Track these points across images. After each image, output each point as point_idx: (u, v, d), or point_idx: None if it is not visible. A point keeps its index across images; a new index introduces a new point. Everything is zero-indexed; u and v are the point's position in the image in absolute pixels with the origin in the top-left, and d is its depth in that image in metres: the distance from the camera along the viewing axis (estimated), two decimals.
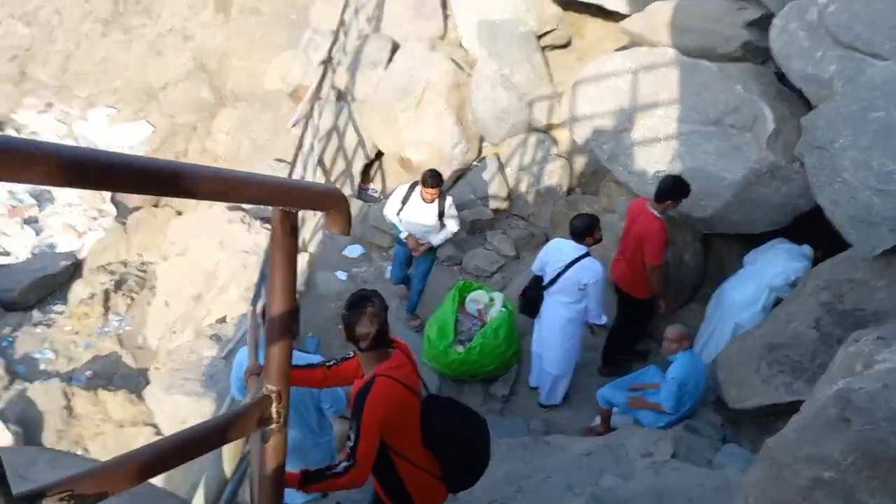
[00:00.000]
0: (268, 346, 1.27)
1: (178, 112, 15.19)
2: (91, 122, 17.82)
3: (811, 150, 5.12)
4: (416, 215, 6.11)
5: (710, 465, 5.08)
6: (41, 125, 17.73)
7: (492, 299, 6.30)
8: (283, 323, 1.25)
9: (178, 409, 5.24)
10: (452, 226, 6.21)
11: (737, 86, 5.78)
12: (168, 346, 7.16)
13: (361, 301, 2.87)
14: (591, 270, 5.39)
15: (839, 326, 5.11)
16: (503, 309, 6.21)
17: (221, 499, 2.18)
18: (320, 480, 2.85)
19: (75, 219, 11.65)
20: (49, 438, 6.99)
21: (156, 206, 10.43)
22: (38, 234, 11.78)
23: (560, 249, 5.56)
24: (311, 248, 7.67)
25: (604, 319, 5.64)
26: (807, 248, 5.83)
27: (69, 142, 16.59)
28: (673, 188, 5.54)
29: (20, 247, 11.32)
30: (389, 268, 7.57)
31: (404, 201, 6.12)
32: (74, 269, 10.17)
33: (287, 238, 1.16)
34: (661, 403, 5.21)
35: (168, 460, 1.06)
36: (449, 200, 6.14)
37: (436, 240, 6.25)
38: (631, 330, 6.24)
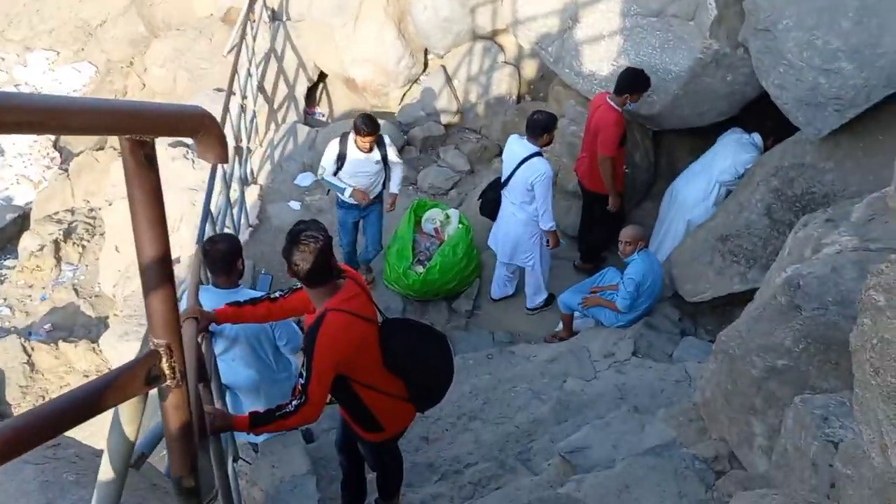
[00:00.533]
0: (146, 296, 1.17)
1: (114, 49, 14.49)
2: (30, 66, 17.05)
3: (755, 33, 5.01)
4: (357, 168, 5.53)
5: (670, 359, 5.18)
6: None
7: (448, 216, 6.23)
8: (158, 268, 1.15)
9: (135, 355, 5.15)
10: (399, 170, 5.75)
11: None
12: (123, 293, 7.02)
13: (300, 234, 2.71)
14: (537, 170, 5.27)
15: (790, 212, 5.14)
16: (460, 225, 6.15)
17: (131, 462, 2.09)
18: (270, 422, 2.79)
19: (29, 169, 11.23)
20: (12, 395, 6.91)
21: (100, 149, 10.05)
22: None
23: (512, 149, 5.46)
24: (261, 179, 7.47)
25: (550, 224, 5.47)
26: (756, 137, 5.79)
27: (10, 88, 15.98)
28: (632, 82, 5.44)
29: None
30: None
31: (340, 158, 5.51)
32: (22, 221, 9.86)
33: (141, 169, 1.04)
34: (615, 302, 5.25)
35: (31, 437, 0.98)
36: (387, 141, 5.63)
37: (391, 188, 5.75)
38: (602, 228, 6.13)
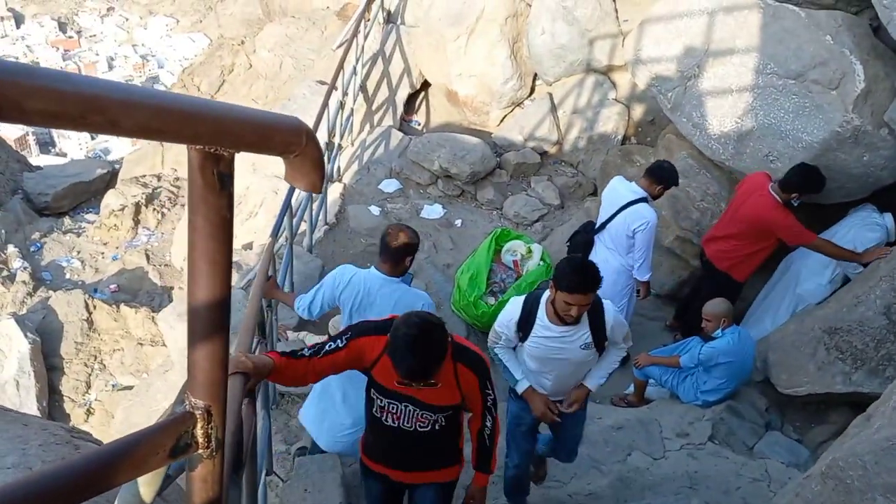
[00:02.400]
0: (190, 345, 0.90)
1: (229, 25, 14.77)
2: (150, 30, 17.77)
3: None
4: (550, 346, 3.26)
5: (750, 452, 4.70)
6: (102, 29, 17.82)
7: (530, 250, 5.89)
8: (211, 316, 0.88)
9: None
10: (616, 354, 3.41)
11: (825, 36, 5.12)
12: None
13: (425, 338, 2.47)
14: (642, 216, 4.85)
15: None
16: (541, 262, 5.80)
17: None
18: (489, 456, 2.95)
19: None
20: (67, 349, 6.92)
21: None
22: (93, 137, 11.78)
23: (616, 190, 5.04)
24: (346, 178, 7.31)
25: (648, 275, 5.08)
26: (889, 219, 5.22)
27: (128, 48, 16.60)
28: (806, 182, 4.93)
29: (75, 148, 11.30)
30: (426, 206, 7.19)
31: (524, 325, 3.27)
32: (110, 178, 10.03)
33: (210, 191, 0.78)
34: (678, 356, 4.82)
35: None
36: (609, 309, 3.28)
37: (593, 381, 3.42)
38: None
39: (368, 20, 7.58)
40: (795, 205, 5.08)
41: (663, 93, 6.08)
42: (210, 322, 0.89)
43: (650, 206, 4.93)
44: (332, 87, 6.27)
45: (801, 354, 4.91)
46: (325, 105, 5.94)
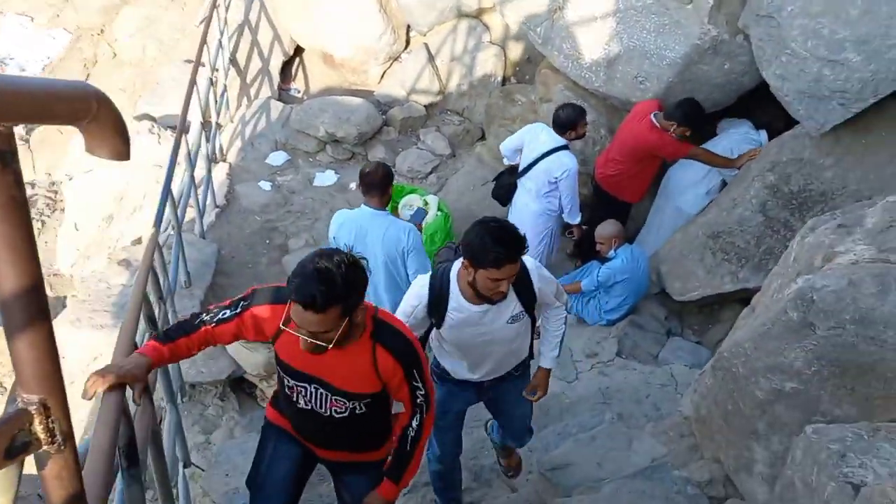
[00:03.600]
0: (9, 339, 0.86)
1: (86, 16, 13.89)
2: (3, 31, 16.49)
3: (757, 19, 4.74)
4: (472, 330, 2.85)
5: (655, 360, 4.95)
6: None
7: (426, 202, 5.90)
8: (25, 302, 0.84)
9: (89, 344, 4.81)
10: (557, 316, 3.05)
11: None
12: (81, 273, 6.63)
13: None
14: (564, 164, 5.01)
15: (785, 210, 4.91)
16: (439, 212, 5.83)
17: None
18: (406, 465, 2.45)
19: None
20: None
21: None
22: None
23: (537, 137, 5.17)
24: (230, 157, 7.10)
25: (578, 218, 5.28)
26: (764, 136, 5.48)
27: None
28: (690, 116, 5.08)
29: None
30: (318, 173, 7.08)
31: (434, 310, 2.80)
32: None
33: None
34: (579, 282, 5.03)
35: None
36: (531, 266, 2.82)
37: (547, 359, 3.14)
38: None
39: None
40: (673, 134, 5.23)
41: (532, 29, 6.14)
42: (26, 311, 0.85)
43: (570, 154, 5.06)
44: (198, 63, 6.02)
45: (690, 261, 5.17)
46: (192, 83, 5.70)
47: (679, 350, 4.96)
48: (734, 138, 5.61)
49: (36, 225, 8.24)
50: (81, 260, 6.85)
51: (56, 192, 8.46)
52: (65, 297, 7.32)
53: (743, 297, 5.10)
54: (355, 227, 3.86)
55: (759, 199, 4.96)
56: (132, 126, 7.32)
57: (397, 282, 3.95)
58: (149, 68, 8.85)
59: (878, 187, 4.53)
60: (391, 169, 4.01)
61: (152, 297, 3.61)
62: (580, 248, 6.06)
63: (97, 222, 6.98)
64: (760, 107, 5.58)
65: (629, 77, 5.59)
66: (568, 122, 4.99)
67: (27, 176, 9.02)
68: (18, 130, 11.31)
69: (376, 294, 3.93)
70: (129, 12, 9.45)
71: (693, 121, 5.14)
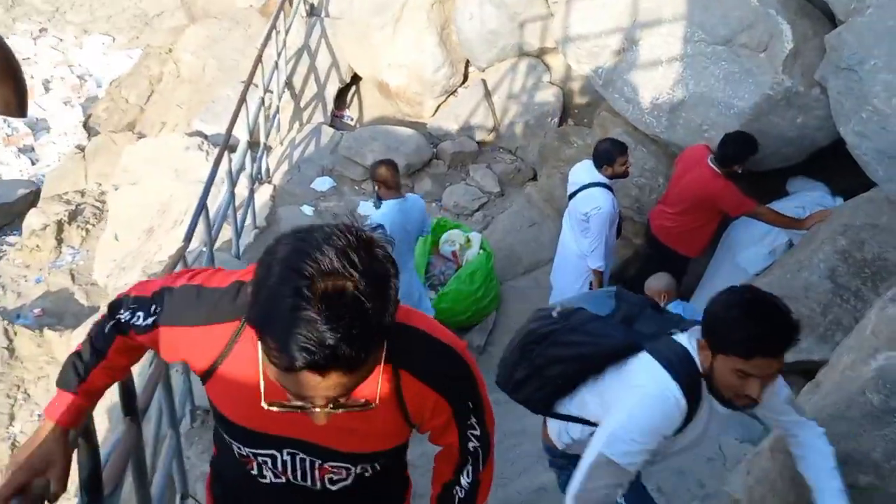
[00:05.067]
0: None
1: (158, 35, 14.27)
2: (86, 49, 17.25)
3: (836, 72, 4.41)
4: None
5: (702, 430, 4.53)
6: (36, 51, 17.23)
7: (468, 240, 5.68)
8: None
9: None
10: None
11: None
12: (115, 284, 6.56)
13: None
14: (595, 200, 4.62)
15: (857, 278, 4.49)
16: (481, 251, 5.59)
17: None
18: None
19: (71, 148, 11.02)
20: None
21: (115, 131, 9.70)
22: (33, 163, 11.33)
23: (577, 172, 4.84)
24: (276, 179, 7.00)
25: (599, 264, 4.87)
26: (839, 203, 5.09)
27: (64, 69, 16.27)
28: (741, 150, 4.69)
29: (16, 175, 10.79)
30: (363, 202, 6.92)
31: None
32: (34, 198, 9.51)
33: None
34: None
35: None
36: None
37: None
38: None
39: (288, 13, 7.28)
40: (740, 172, 4.90)
41: (594, 70, 5.92)
42: None
43: (605, 192, 4.69)
44: (249, 83, 5.96)
45: None
46: (241, 102, 5.63)
47: (728, 421, 4.54)
48: (805, 199, 5.24)
49: (80, 233, 8.27)
50: (118, 271, 6.79)
51: (103, 202, 8.51)
52: (98, 307, 7.26)
53: (805, 370, 4.69)
54: (401, 219, 4.32)
55: (827, 264, 4.55)
56: (182, 142, 7.31)
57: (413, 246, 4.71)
58: (207, 87, 8.92)
59: None
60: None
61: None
62: None
63: (137, 234, 6.94)
64: (839, 170, 5.21)
65: (693, 125, 5.30)
66: (604, 155, 4.64)
67: (79, 184, 9.12)
68: (75, 139, 11.55)
69: (412, 255, 4.73)
70: (194, 31, 9.59)
71: (748, 148, 4.73)
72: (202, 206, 4.61)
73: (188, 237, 4.30)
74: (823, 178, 5.37)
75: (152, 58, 13.27)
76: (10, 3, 19.40)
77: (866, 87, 4.19)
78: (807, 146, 5.01)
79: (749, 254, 5.28)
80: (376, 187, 4.48)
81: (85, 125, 12.82)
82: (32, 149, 12.36)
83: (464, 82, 7.65)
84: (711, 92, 5.16)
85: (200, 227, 4.69)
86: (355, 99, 8.04)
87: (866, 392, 2.17)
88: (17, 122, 13.07)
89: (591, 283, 5.07)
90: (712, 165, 4.83)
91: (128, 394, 2.16)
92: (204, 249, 5.06)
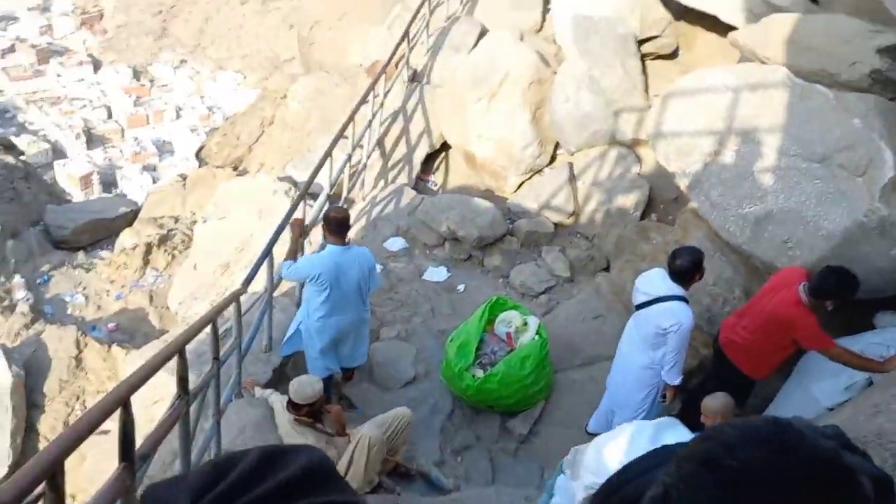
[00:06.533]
0: None
1: (278, 79, 15.08)
2: (219, 83, 18.65)
3: None
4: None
5: None
6: (174, 80, 18.79)
7: (525, 323, 5.53)
8: None
9: (156, 385, 4.76)
10: None
11: (854, 119, 4.77)
12: (186, 313, 6.77)
13: None
14: (676, 315, 4.38)
15: None
16: (536, 336, 5.44)
17: None
18: None
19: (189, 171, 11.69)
20: (50, 387, 6.75)
21: (219, 166, 10.19)
22: (154, 181, 12.13)
23: (653, 281, 4.60)
24: (351, 233, 7.09)
25: (678, 380, 4.64)
26: None
27: (196, 100, 17.43)
28: (840, 288, 4.27)
29: (137, 190, 11.52)
30: (430, 267, 6.92)
31: None
32: (133, 217, 10.06)
33: None
34: None
35: None
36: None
37: None
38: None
39: (387, 76, 7.50)
40: (830, 309, 4.52)
41: (682, 169, 5.76)
42: None
43: (686, 307, 4.47)
44: (339, 136, 6.13)
45: None
46: (327, 153, 5.79)
47: None
48: (891, 336, 4.84)
49: (166, 257, 8.65)
50: (190, 300, 7.02)
51: (193, 231, 8.89)
52: (167, 331, 7.52)
53: None
54: (335, 267, 4.54)
55: None
56: (271, 185, 7.57)
57: (364, 297, 4.89)
58: (307, 135, 9.28)
59: None
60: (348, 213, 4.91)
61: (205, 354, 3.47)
62: (686, 414, 5.39)
63: (214, 267, 7.17)
64: None
65: (778, 240, 5.04)
66: (689, 269, 4.41)
67: (175, 211, 9.58)
68: (178, 168, 12.18)
69: (352, 312, 4.80)
70: (304, 81, 10.05)
71: (849, 287, 4.31)
72: (268, 251, 4.71)
73: (247, 280, 4.39)
74: None
75: (267, 100, 14.01)
76: (160, 34, 21.05)
77: None
78: None
79: (825, 385, 4.90)
80: (323, 229, 4.78)
81: (197, 155, 13.55)
82: (155, 168, 13.20)
83: (551, 163, 7.62)
84: (801, 209, 4.90)
85: (265, 270, 4.78)
86: (442, 165, 8.14)
87: None
88: (146, 142, 13.92)
89: (664, 395, 4.82)
90: (801, 293, 4.48)
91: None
92: (264, 293, 5.15)
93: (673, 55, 8.10)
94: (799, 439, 0.85)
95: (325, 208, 4.95)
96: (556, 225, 7.20)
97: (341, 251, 4.59)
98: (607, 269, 6.77)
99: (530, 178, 7.59)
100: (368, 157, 7.33)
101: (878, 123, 4.78)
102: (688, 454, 0.88)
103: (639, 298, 4.62)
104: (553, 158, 7.64)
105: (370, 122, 7.16)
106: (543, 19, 8.76)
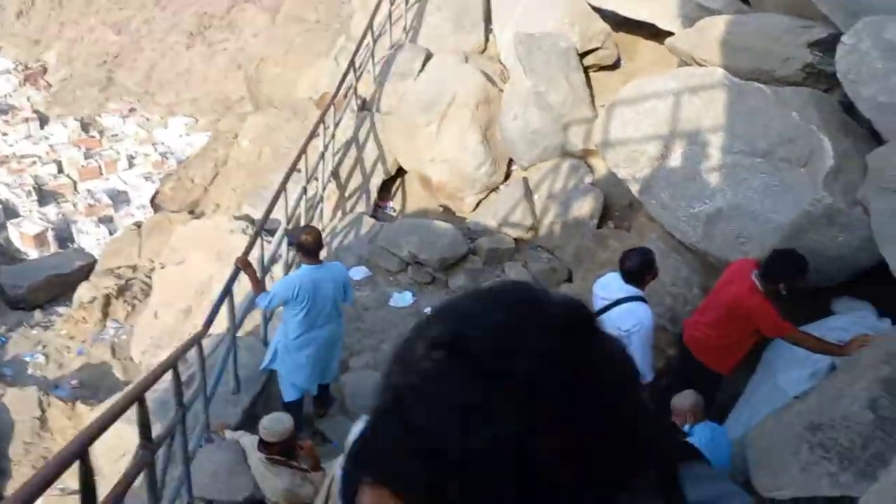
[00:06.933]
0: None
1: (228, 120, 14.99)
2: (170, 128, 18.51)
3: (879, 192, 4.24)
4: None
5: None
6: (124, 129, 18.58)
7: None
8: None
9: (119, 438, 4.65)
10: None
11: (792, 113, 4.92)
12: (150, 361, 6.64)
13: None
14: (635, 316, 4.44)
15: None
16: None
17: None
18: None
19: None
20: (15, 451, 6.54)
21: (175, 211, 10.08)
22: (111, 233, 11.90)
23: (608, 286, 4.67)
24: None
25: (649, 378, 4.67)
26: (887, 324, 4.81)
27: (149, 147, 17.24)
28: (790, 269, 4.45)
29: (94, 244, 11.31)
30: (395, 294, 6.91)
31: None
32: (90, 270, 9.87)
33: None
34: None
35: None
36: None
37: None
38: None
39: (335, 107, 7.53)
40: (784, 293, 4.65)
41: (632, 175, 5.87)
42: None
43: (645, 306, 4.53)
44: (292, 171, 6.13)
45: (783, 453, 4.45)
46: (281, 188, 5.78)
47: None
48: (850, 321, 4.95)
49: (126, 308, 8.48)
50: (153, 349, 6.89)
51: (151, 279, 8.75)
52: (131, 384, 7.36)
53: None
54: (311, 286, 4.68)
55: (869, 393, 4.24)
56: (230, 224, 7.52)
57: (339, 311, 5.06)
58: (260, 172, 9.24)
59: None
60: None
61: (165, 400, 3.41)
62: (657, 416, 5.44)
63: (175, 313, 7.06)
64: (889, 290, 4.94)
65: (730, 236, 5.15)
66: (639, 269, 4.48)
67: (132, 260, 9.42)
68: (134, 217, 12.02)
69: (329, 326, 4.92)
70: (254, 119, 10.03)
71: (798, 268, 4.45)
72: (227, 291, 4.67)
73: (208, 323, 4.33)
74: (871, 298, 5.10)
75: (220, 141, 13.91)
76: (106, 84, 20.90)
77: None
78: (849, 266, 4.78)
79: (790, 376, 4.98)
80: (297, 253, 5.00)
81: (152, 201, 13.37)
82: (112, 219, 13.02)
83: (505, 180, 7.70)
84: (749, 204, 5.02)
85: (225, 311, 4.73)
86: (399, 191, 8.16)
87: None
88: (100, 193, 13.76)
89: None
90: (755, 281, 4.61)
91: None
92: (227, 334, 5.09)
93: (615, 65, 8.26)
94: (540, 293, 0.69)
95: (297, 233, 5.03)
96: (516, 240, 7.25)
97: (315, 269, 4.74)
98: (569, 279, 6.83)
99: (487, 196, 7.66)
100: (324, 188, 7.33)
101: (815, 115, 4.94)
102: (415, 340, 0.67)
103: (598, 304, 4.66)
104: (508, 175, 7.72)
105: (322, 153, 7.16)
106: (487, 39, 8.89)
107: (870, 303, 5.08)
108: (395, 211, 8.03)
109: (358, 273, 7.00)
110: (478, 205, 7.66)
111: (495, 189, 7.66)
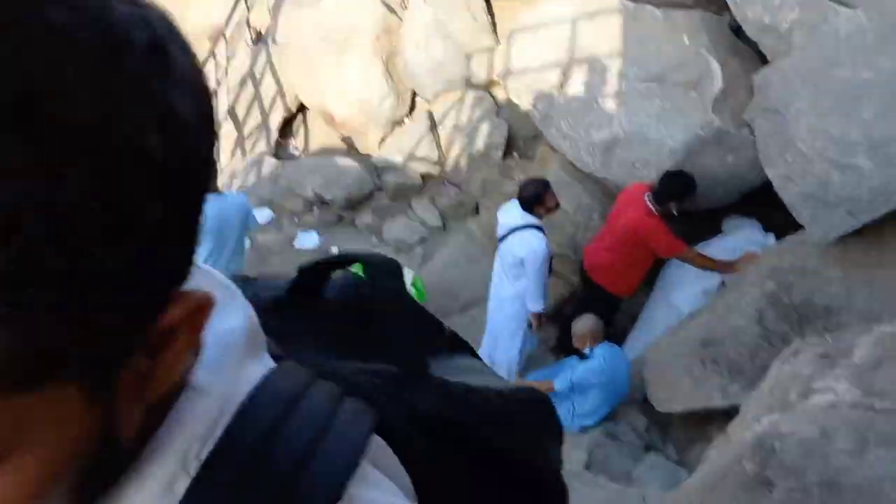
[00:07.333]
0: None
1: None
2: None
3: (763, 113, 4.35)
4: None
5: (628, 477, 4.39)
6: None
7: None
8: None
9: None
10: None
11: (683, 36, 4.97)
12: None
13: None
14: (528, 243, 4.58)
15: (785, 322, 4.40)
16: (412, 289, 5.43)
17: None
18: None
19: None
20: None
21: None
22: None
23: (509, 212, 4.79)
24: None
25: (540, 307, 4.82)
26: (771, 239, 5.04)
27: None
28: (681, 190, 4.71)
29: None
30: (301, 234, 6.77)
31: None
32: None
33: None
34: (552, 381, 4.53)
35: None
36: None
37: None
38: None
39: (227, 39, 7.16)
40: (675, 214, 4.84)
41: (533, 105, 5.85)
42: None
43: (538, 234, 4.63)
44: None
45: (677, 369, 4.66)
46: None
47: (656, 469, 4.41)
48: (738, 239, 5.17)
49: None
50: None
51: None
52: None
53: (732, 415, 4.58)
54: (216, 215, 4.28)
55: (755, 307, 4.46)
56: None
57: (243, 243, 4.83)
58: None
59: (891, 310, 4.04)
60: None
61: None
62: (564, 342, 5.59)
63: None
64: (775, 207, 5.15)
65: (627, 163, 5.23)
66: (532, 198, 4.59)
67: None
68: None
69: (237, 259, 4.65)
70: None
71: (685, 188, 4.74)
72: None
73: None
74: (760, 216, 5.31)
75: None
76: None
77: (791, 130, 4.12)
78: (738, 186, 4.95)
79: (684, 294, 5.19)
80: None
81: None
82: None
83: (410, 113, 7.55)
84: (645, 130, 5.09)
85: None
86: (302, 128, 7.91)
87: (742, 459, 2.03)
88: None
89: (529, 324, 4.98)
90: (648, 203, 4.77)
91: None
92: None
93: None
94: None
95: None
96: (423, 176, 7.17)
97: (216, 198, 4.35)
98: (478, 212, 6.84)
99: (392, 130, 7.50)
100: (220, 128, 7.01)
101: (704, 38, 5.00)
102: None
103: (500, 232, 4.73)
104: (412, 108, 7.57)
105: (215, 91, 6.82)
106: None
107: (757, 220, 5.30)
108: (297, 149, 7.79)
109: (262, 216, 6.79)
110: (383, 140, 7.50)
111: (400, 123, 7.51)
